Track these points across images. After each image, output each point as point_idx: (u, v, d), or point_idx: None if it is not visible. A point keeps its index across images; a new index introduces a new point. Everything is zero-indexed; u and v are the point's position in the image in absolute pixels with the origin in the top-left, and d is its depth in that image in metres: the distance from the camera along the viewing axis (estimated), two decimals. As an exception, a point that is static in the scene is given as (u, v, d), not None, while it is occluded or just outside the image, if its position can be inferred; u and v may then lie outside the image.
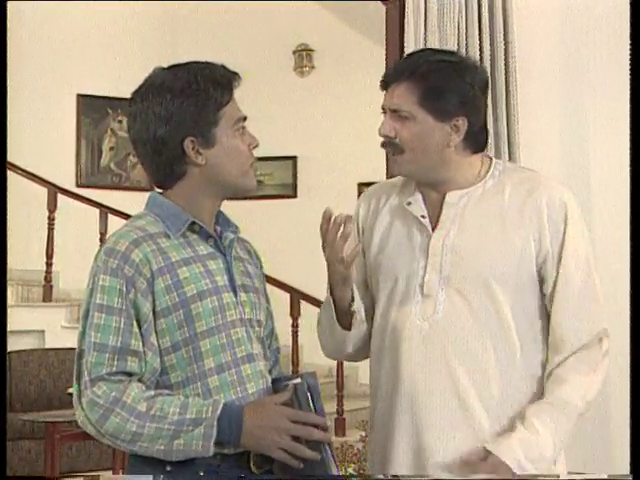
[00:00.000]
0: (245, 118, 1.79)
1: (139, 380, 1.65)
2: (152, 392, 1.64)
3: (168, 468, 1.64)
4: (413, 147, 1.89)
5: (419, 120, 1.88)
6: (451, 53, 2.07)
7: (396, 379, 1.91)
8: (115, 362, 1.62)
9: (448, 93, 1.88)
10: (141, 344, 1.65)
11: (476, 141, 1.95)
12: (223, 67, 1.77)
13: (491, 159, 2.02)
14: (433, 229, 1.93)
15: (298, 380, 1.71)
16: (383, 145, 1.95)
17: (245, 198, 1.87)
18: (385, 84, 1.94)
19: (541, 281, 1.91)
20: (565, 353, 1.88)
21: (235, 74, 1.78)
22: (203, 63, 1.77)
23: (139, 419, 1.60)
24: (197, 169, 1.75)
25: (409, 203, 1.96)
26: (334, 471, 1.67)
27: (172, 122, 1.71)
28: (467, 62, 1.99)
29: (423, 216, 1.94)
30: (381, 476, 1.93)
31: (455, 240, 1.90)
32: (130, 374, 1.64)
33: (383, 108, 1.94)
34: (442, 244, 1.91)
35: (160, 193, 1.80)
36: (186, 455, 1.62)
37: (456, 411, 1.86)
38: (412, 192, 1.99)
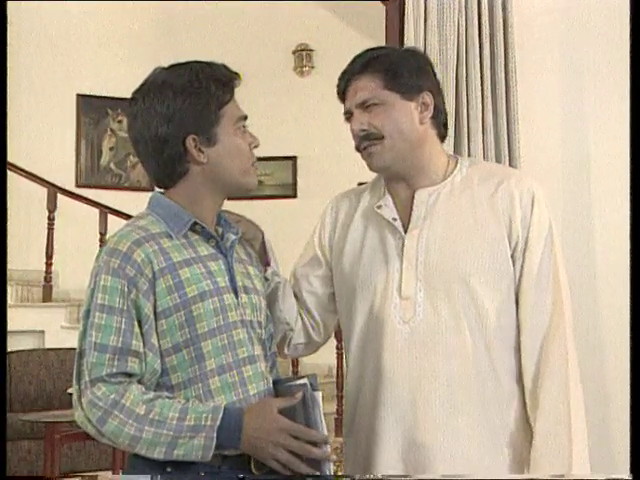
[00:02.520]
0: (246, 117, 1.79)
1: (139, 381, 1.65)
2: (151, 395, 1.63)
3: (168, 469, 1.64)
4: (390, 131, 1.90)
5: (389, 103, 1.90)
6: (387, 47, 2.11)
7: (379, 385, 1.89)
8: (115, 362, 1.62)
9: (407, 70, 1.92)
10: (142, 345, 1.65)
11: (442, 122, 1.98)
12: (224, 66, 1.78)
13: (457, 158, 2.03)
14: (405, 230, 1.92)
15: (303, 381, 1.70)
16: (358, 145, 1.93)
17: (245, 198, 1.87)
18: (343, 88, 1.95)
19: (513, 264, 1.91)
20: (532, 349, 1.88)
21: (235, 74, 1.78)
22: (204, 62, 1.77)
23: (137, 422, 1.60)
24: (199, 168, 1.74)
25: (379, 206, 1.96)
26: None
27: (174, 120, 1.71)
28: (409, 47, 2.13)
29: (394, 218, 1.93)
30: (380, 476, 1.92)
31: (428, 238, 1.90)
32: (130, 375, 1.63)
33: (348, 112, 1.95)
34: (416, 244, 1.90)
35: (162, 193, 1.80)
36: (185, 460, 1.62)
37: (443, 410, 1.85)
38: (381, 194, 1.99)
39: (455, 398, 1.85)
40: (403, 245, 1.91)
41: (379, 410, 1.89)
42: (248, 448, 1.64)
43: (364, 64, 1.92)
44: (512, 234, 1.89)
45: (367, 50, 1.99)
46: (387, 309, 1.90)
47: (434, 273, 1.88)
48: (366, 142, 1.92)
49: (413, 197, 1.94)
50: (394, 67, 1.91)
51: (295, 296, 2.05)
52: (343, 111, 1.96)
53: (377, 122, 1.90)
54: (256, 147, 1.80)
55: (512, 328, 1.90)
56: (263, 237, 1.98)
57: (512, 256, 1.90)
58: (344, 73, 1.96)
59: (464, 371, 1.86)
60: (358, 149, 1.95)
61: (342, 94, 1.96)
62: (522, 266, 1.89)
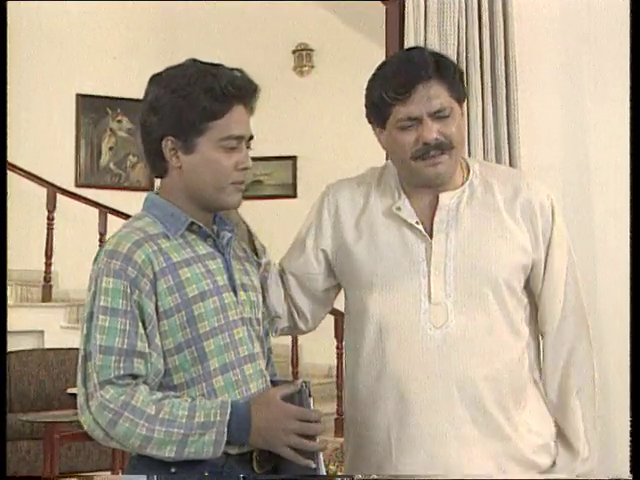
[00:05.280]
0: (243, 137, 1.73)
1: (144, 382, 1.65)
2: (159, 395, 1.63)
3: (172, 469, 1.64)
4: (459, 140, 1.88)
5: (455, 112, 1.86)
6: (431, 50, 2.10)
7: (407, 388, 1.84)
8: (122, 364, 1.61)
9: (460, 77, 1.90)
10: (147, 345, 1.64)
11: None
12: (237, 79, 1.72)
13: (465, 159, 2.00)
14: (430, 234, 1.88)
15: (301, 380, 1.73)
16: (421, 154, 1.83)
17: (244, 198, 1.84)
18: (410, 91, 1.81)
19: (532, 270, 1.92)
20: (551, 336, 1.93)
21: (248, 89, 1.73)
22: (216, 68, 1.72)
23: (149, 423, 1.59)
24: (175, 171, 1.74)
25: (399, 208, 1.91)
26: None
27: (158, 115, 1.71)
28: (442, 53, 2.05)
29: (417, 222, 1.89)
30: (380, 476, 1.92)
31: (457, 244, 1.87)
32: (137, 376, 1.63)
33: (416, 118, 1.82)
34: (445, 250, 1.87)
35: (156, 193, 1.80)
36: (195, 458, 1.62)
37: (476, 419, 1.83)
38: (396, 195, 1.94)
39: (491, 401, 1.84)
40: (428, 250, 1.87)
41: (407, 417, 1.84)
42: (257, 440, 1.64)
43: (434, 69, 1.82)
44: (536, 241, 1.90)
45: (420, 50, 1.93)
46: (416, 315, 1.86)
47: (464, 278, 1.86)
48: (435, 151, 1.83)
49: (433, 200, 1.90)
50: (453, 74, 1.87)
51: (283, 286, 2.01)
52: (407, 116, 1.83)
53: (448, 131, 1.83)
54: (245, 169, 1.74)
55: (534, 337, 1.95)
56: (248, 228, 1.95)
57: (533, 262, 1.91)
58: (409, 75, 1.82)
59: (504, 375, 1.85)
60: (414, 158, 1.84)
61: (404, 97, 1.82)
62: (544, 274, 1.92)
